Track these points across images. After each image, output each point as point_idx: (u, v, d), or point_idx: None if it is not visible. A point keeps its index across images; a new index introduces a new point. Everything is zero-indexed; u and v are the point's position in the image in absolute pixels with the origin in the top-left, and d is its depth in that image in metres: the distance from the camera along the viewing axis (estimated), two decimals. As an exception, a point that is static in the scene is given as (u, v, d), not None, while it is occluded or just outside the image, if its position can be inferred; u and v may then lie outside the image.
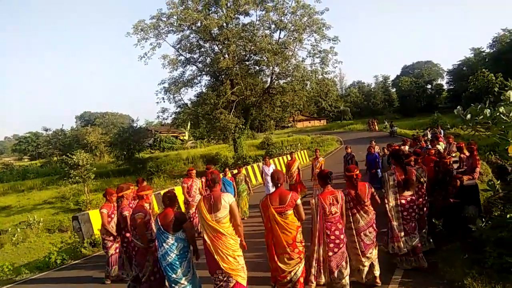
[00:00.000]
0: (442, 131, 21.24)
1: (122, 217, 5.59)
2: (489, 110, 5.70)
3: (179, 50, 29.69)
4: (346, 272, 4.82)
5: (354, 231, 5.12)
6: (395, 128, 35.69)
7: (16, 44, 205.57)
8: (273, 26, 28.43)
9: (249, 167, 19.50)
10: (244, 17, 29.63)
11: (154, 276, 5.08)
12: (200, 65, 30.45)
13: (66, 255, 9.18)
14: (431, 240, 6.37)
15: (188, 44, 29.47)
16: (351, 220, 5.11)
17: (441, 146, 12.01)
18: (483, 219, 5.91)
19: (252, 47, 27.63)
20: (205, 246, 4.54)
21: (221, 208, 4.44)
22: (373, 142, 12.83)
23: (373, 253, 5.18)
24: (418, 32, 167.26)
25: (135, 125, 41.64)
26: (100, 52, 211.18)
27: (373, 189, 5.28)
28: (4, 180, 39.56)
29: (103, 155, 48.78)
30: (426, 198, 6.44)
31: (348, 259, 4.92)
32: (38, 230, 16.47)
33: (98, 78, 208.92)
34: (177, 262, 4.51)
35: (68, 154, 26.82)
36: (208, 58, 29.91)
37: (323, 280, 4.86)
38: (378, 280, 5.18)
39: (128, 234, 5.58)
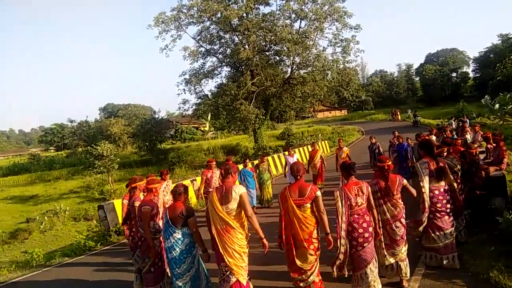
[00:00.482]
0: (468, 121, 20.71)
1: (132, 207, 5.65)
2: (518, 99, 5.54)
3: (200, 41, 29.85)
4: (376, 271, 4.60)
5: (380, 223, 4.89)
6: (419, 117, 34.92)
7: (42, 38, 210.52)
8: (293, 15, 28.12)
9: (269, 158, 19.46)
10: (264, 7, 29.53)
11: (154, 267, 5.22)
12: (220, 56, 30.56)
13: (93, 242, 9.50)
14: (465, 232, 6.14)
15: (209, 36, 29.59)
16: (378, 211, 4.86)
17: (469, 136, 11.71)
18: (510, 211, 5.79)
19: (272, 37, 27.46)
20: (212, 239, 4.52)
21: (231, 200, 4.38)
22: (395, 132, 12.45)
23: (402, 250, 4.92)
24: (443, 18, 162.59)
25: (156, 116, 42.22)
26: (122, 45, 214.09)
27: (405, 181, 4.97)
28: (31, 170, 40.96)
29: (126, 146, 49.74)
30: (461, 187, 6.24)
31: (376, 257, 4.71)
32: (64, 219, 17.05)
33: (121, 70, 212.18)
34: (182, 257, 4.53)
35: (92, 145, 27.52)
36: (228, 49, 29.98)
37: (346, 273, 4.60)
38: (405, 284, 4.89)
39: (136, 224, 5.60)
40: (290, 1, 27.47)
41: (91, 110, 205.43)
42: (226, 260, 4.36)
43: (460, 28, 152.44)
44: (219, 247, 4.39)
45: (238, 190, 4.45)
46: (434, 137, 11.47)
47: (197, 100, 31.24)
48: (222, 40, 30.00)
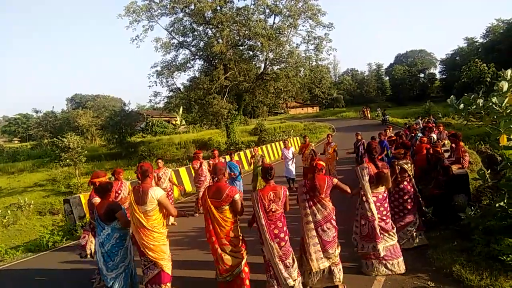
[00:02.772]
0: (433, 120, 21.42)
1: (90, 203, 5.79)
2: (482, 100, 5.75)
3: (172, 33, 29.32)
4: (294, 272, 4.58)
5: (308, 226, 4.78)
6: (387, 116, 35.84)
7: (4, 24, 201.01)
8: (267, 10, 28.14)
9: (241, 153, 19.51)
10: (239, 0, 29.42)
11: None
12: (193, 49, 30.15)
13: (58, 237, 9.17)
14: (420, 236, 6.12)
15: (181, 27, 29.14)
16: (308, 212, 4.77)
17: (434, 135, 12.10)
18: (472, 208, 6.03)
19: (246, 32, 27.36)
20: (132, 234, 4.71)
21: (147, 202, 4.48)
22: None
23: (336, 253, 4.80)
24: (413, 20, 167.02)
25: (126, 108, 41.12)
26: (91, 33, 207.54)
27: (335, 180, 4.87)
28: (-6, 161, 39.10)
29: (94, 138, 48.43)
30: (415, 192, 6.20)
31: (294, 259, 4.66)
32: (29, 213, 16.38)
33: (89, 60, 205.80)
34: (114, 251, 4.66)
35: (59, 136, 26.56)
36: (202, 42, 29.63)
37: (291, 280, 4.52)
38: None
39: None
40: (264, -5, 27.40)
41: (58, 101, 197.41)
42: (147, 254, 4.54)
43: (428, 30, 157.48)
44: (138, 242, 4.55)
45: (156, 193, 4.55)
46: (434, 135, 11.53)
47: (169, 93, 30.75)
48: (195, 33, 29.60)
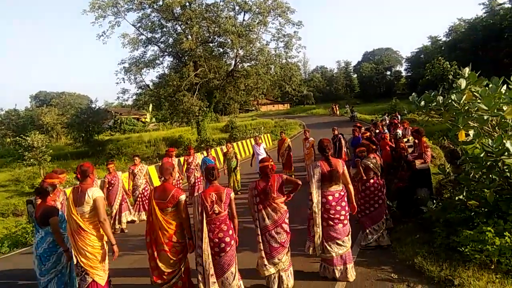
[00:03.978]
0: (399, 117, 22.11)
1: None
2: (441, 98, 6.00)
3: (140, 29, 28.79)
4: (235, 280, 4.46)
5: (259, 230, 4.65)
6: (356, 113, 36.62)
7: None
8: (237, 7, 28.14)
9: (212, 150, 19.44)
10: (208, -3, 29.12)
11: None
12: (162, 45, 29.70)
13: (23, 238, 8.87)
14: (388, 235, 6.12)
15: (150, 23, 28.61)
16: (257, 217, 4.65)
17: (399, 131, 12.51)
18: (434, 201, 6.28)
19: (216, 29, 27.24)
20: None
21: (84, 203, 4.36)
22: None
23: (283, 259, 4.64)
24: (380, 18, 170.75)
25: (93, 106, 40.05)
26: (55, 27, 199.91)
27: (285, 176, 4.83)
28: (-48, 161, 37.14)
29: (60, 137, 46.89)
30: (382, 190, 6.18)
31: (235, 264, 4.51)
32: (-9, 214, 15.74)
33: (55, 55, 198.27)
34: (46, 255, 4.52)
35: (22, 135, 25.61)
36: (171, 39, 29.23)
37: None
38: None
39: None
40: (233, -8, 27.35)
41: (21, 98, 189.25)
42: (80, 261, 4.36)
43: (395, 29, 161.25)
44: (73, 248, 4.38)
45: (93, 193, 4.38)
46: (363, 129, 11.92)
47: (138, 90, 30.19)
48: (164, 29, 29.17)
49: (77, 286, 4.56)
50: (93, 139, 36.21)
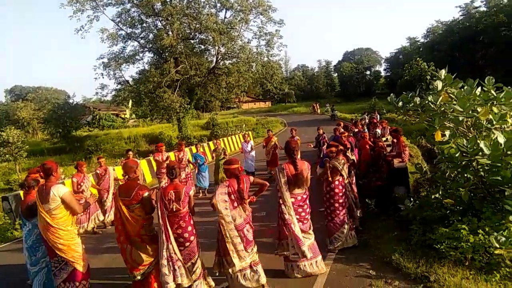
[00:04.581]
0: (378, 116, 22.46)
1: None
2: (418, 99, 6.15)
3: (119, 24, 28.32)
4: (198, 270, 4.60)
5: (235, 228, 4.60)
6: (336, 112, 37.01)
7: None
8: (219, 4, 28.01)
9: (193, 147, 19.37)
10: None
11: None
12: (142, 41, 29.25)
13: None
14: (353, 235, 6.09)
15: (129, 19, 28.19)
16: (229, 214, 4.57)
17: (379, 130, 12.73)
18: (411, 199, 6.43)
19: (197, 25, 27.05)
20: None
21: (50, 200, 4.42)
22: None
23: (254, 251, 4.72)
24: (360, 18, 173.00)
25: (71, 101, 39.29)
26: (33, 20, 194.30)
27: (251, 178, 4.87)
28: None
29: (36, 132, 45.72)
30: (347, 192, 6.14)
31: (197, 262, 4.63)
32: (-38, 212, 15.18)
33: (31, 49, 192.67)
34: (35, 246, 4.89)
35: (-3, 130, 24.88)
36: (151, 34, 28.81)
37: (185, 280, 4.52)
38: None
39: None
40: (215, -11, 27.21)
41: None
42: (58, 253, 4.49)
43: (374, 29, 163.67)
44: (48, 242, 4.48)
45: (58, 191, 4.45)
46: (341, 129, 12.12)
47: (117, 85, 29.64)
48: (144, 25, 28.72)
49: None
50: (70, 135, 35.46)
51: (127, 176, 4.79)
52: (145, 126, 44.43)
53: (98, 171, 9.20)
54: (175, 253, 4.44)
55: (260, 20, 28.71)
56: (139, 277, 4.55)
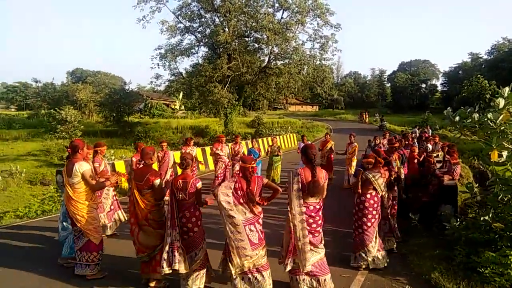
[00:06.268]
0: (430, 131, 21.61)
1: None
2: (477, 115, 5.86)
3: (179, 17, 29.15)
4: (199, 261, 4.68)
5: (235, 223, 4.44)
6: (385, 122, 36.02)
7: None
8: (277, 4, 28.03)
9: (249, 141, 19.65)
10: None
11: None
12: (199, 35, 29.98)
13: (49, 207, 9.27)
14: (384, 255, 5.64)
15: (189, 12, 28.94)
16: (229, 208, 4.41)
17: (430, 146, 12.28)
18: (458, 219, 6.17)
19: (253, 24, 27.29)
20: None
21: (73, 175, 5.00)
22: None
23: (260, 254, 4.46)
24: (420, 30, 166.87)
25: (127, 87, 40.86)
26: (98, 8, 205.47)
27: (265, 180, 4.67)
28: (-12, 127, 38.82)
29: (91, 114, 48.12)
30: (378, 208, 5.64)
31: (203, 249, 4.74)
32: (20, 181, 16.36)
33: (94, 35, 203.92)
34: (66, 213, 5.32)
35: (56, 108, 26.50)
36: (208, 29, 29.44)
37: (182, 267, 4.54)
38: None
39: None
40: (274, -11, 27.29)
41: (59, 73, 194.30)
42: (77, 223, 5.05)
43: (435, 42, 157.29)
44: (68, 212, 5.08)
45: (80, 167, 5.03)
46: (385, 142, 11.78)
47: (171, 77, 30.58)
48: (203, 19, 29.41)
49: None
50: (123, 120, 36.97)
51: (143, 162, 5.09)
52: (192, 118, 45.55)
53: (159, 154, 9.58)
54: (176, 240, 4.60)
55: (317, 23, 28.46)
56: (145, 259, 4.85)
